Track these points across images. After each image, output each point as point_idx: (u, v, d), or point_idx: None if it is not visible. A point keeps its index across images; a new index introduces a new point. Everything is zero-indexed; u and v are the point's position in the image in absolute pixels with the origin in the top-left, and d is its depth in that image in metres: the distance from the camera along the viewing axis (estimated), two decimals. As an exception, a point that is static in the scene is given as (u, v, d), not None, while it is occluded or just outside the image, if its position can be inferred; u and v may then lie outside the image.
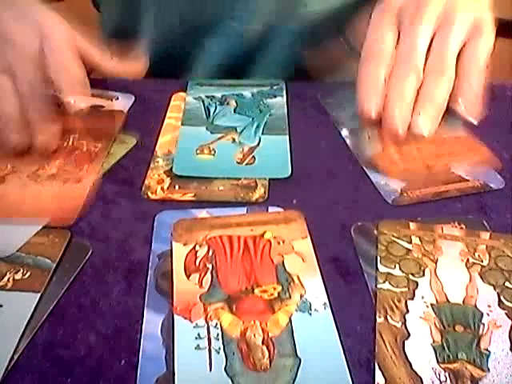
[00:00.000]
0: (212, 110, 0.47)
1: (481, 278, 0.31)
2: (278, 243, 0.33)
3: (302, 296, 0.30)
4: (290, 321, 0.29)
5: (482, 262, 0.32)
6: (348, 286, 0.31)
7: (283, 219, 0.35)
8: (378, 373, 0.26)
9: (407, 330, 0.28)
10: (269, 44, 0.56)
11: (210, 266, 0.32)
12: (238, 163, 0.41)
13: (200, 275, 0.31)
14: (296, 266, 0.32)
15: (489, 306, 0.30)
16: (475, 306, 0.30)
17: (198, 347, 0.27)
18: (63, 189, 0.38)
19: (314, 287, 0.31)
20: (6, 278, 0.31)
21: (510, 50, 0.81)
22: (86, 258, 0.33)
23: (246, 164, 0.41)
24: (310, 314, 0.29)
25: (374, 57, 0.38)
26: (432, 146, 0.41)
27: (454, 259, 0.32)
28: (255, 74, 0.58)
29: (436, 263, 0.32)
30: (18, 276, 0.31)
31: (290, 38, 0.56)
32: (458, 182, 0.39)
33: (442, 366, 0.27)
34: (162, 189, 0.38)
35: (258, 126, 0.45)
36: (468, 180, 0.39)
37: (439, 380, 0.26)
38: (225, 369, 0.26)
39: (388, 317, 0.29)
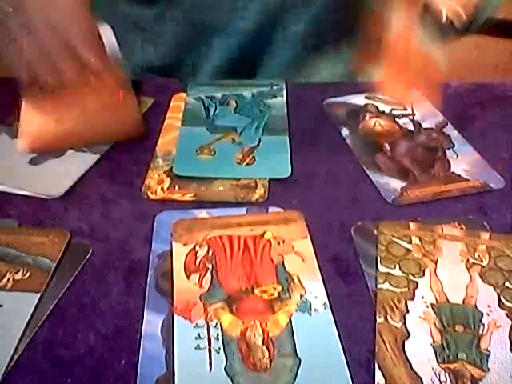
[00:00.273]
0: (212, 111, 0.47)
1: (481, 278, 0.31)
2: (278, 243, 0.33)
3: (302, 296, 0.30)
4: (290, 321, 0.29)
5: (482, 262, 0.32)
6: (348, 286, 0.31)
7: (283, 219, 0.35)
8: (377, 373, 0.26)
9: (407, 330, 0.28)
10: (276, 43, 0.56)
11: (210, 266, 0.32)
12: (238, 163, 0.41)
13: (200, 275, 0.31)
14: (296, 266, 0.32)
15: (489, 306, 0.30)
16: (475, 306, 0.30)
17: (198, 347, 0.27)
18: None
19: (314, 287, 0.31)
20: (5, 278, 0.31)
21: (510, 50, 0.81)
22: (86, 258, 0.33)
23: (246, 164, 0.41)
24: (310, 314, 0.29)
25: None
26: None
27: (454, 259, 0.32)
28: (262, 74, 0.58)
29: (436, 263, 0.32)
30: (18, 276, 0.31)
31: (295, 37, 0.55)
32: (458, 182, 0.39)
33: (442, 366, 0.27)
34: (162, 189, 0.38)
35: (257, 127, 0.45)
36: (468, 180, 0.39)
37: (439, 380, 0.26)
38: (225, 369, 0.26)
39: (388, 317, 0.29)
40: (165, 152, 0.42)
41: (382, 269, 0.32)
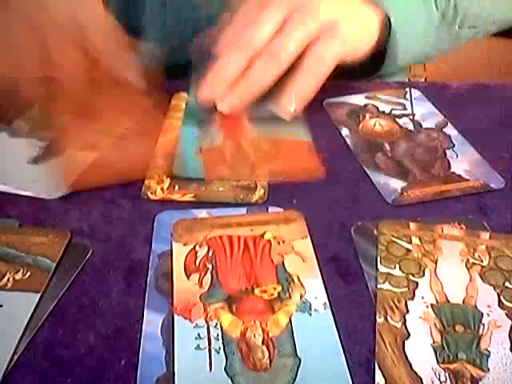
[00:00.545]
0: (212, 110, 0.47)
1: (481, 278, 0.31)
2: (278, 243, 0.33)
3: (302, 296, 0.30)
4: (290, 321, 0.29)
5: (482, 262, 0.32)
6: (348, 286, 0.31)
7: (283, 219, 0.35)
8: (377, 373, 0.26)
9: (407, 330, 0.28)
10: None
11: (210, 266, 0.32)
12: (238, 163, 0.41)
13: (200, 275, 0.31)
14: (296, 266, 0.32)
15: (489, 306, 0.30)
16: (475, 306, 0.30)
17: (198, 347, 0.27)
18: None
19: (314, 287, 0.31)
20: (5, 278, 0.31)
21: (510, 49, 0.81)
22: (86, 258, 0.33)
23: (246, 164, 0.40)
24: (310, 314, 0.29)
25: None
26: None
27: (454, 259, 0.32)
28: None
29: (436, 263, 0.32)
30: (18, 276, 0.31)
31: None
32: (458, 182, 0.39)
33: (442, 366, 0.27)
34: (162, 189, 0.38)
35: (257, 126, 0.45)
36: (468, 180, 0.39)
37: (439, 380, 0.26)
38: (225, 369, 0.26)
39: (388, 317, 0.29)
40: (165, 152, 0.42)
41: (382, 269, 0.32)
